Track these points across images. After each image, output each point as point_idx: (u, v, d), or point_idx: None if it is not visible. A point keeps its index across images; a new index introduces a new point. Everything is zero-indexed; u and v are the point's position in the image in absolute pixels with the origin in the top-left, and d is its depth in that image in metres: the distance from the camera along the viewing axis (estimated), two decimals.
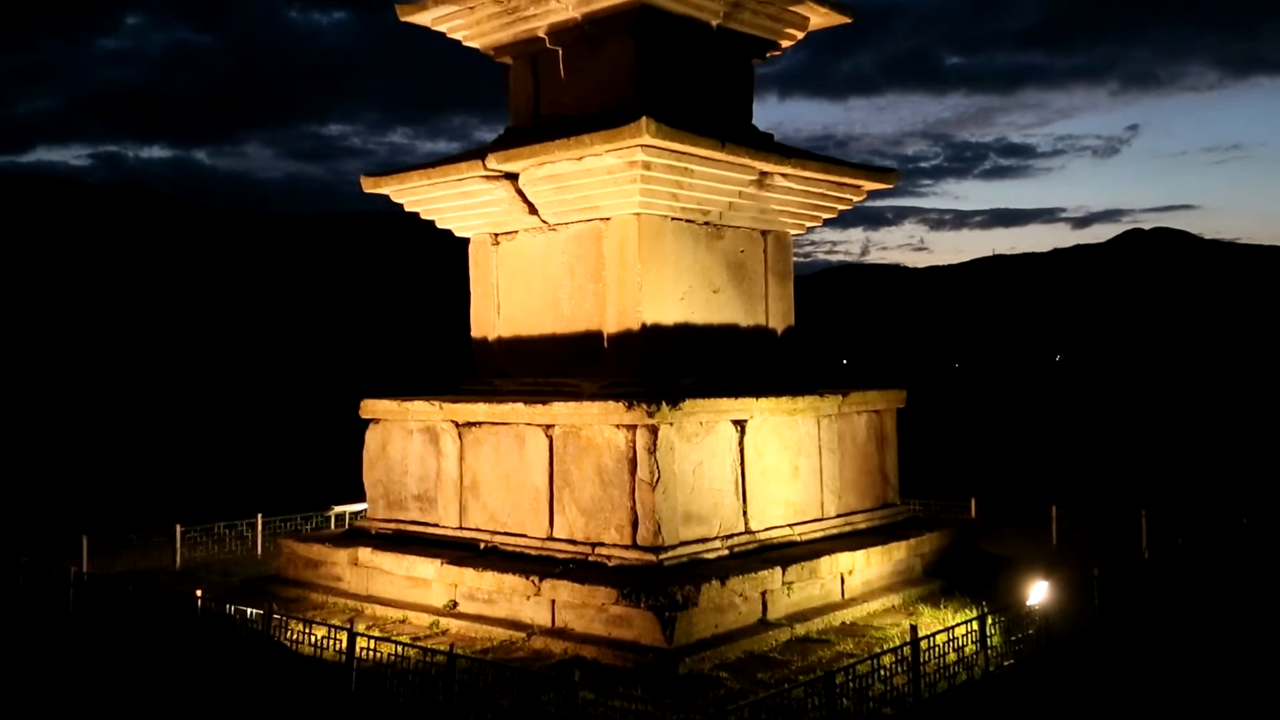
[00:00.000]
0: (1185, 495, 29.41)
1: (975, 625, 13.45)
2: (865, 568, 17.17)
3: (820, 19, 19.93)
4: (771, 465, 17.38)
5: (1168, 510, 23.25)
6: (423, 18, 19.47)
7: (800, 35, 20.02)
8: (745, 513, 16.85)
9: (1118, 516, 22.54)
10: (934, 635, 12.78)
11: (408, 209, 19.83)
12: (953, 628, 13.17)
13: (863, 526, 18.74)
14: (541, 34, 18.65)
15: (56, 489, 36.95)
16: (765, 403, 17.26)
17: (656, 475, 15.35)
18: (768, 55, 20.12)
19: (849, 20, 20.17)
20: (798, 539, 17.38)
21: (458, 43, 19.91)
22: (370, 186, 19.54)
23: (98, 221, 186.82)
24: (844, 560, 16.75)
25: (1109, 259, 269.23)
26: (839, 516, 18.49)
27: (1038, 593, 14.42)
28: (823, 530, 17.97)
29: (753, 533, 16.82)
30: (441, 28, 19.61)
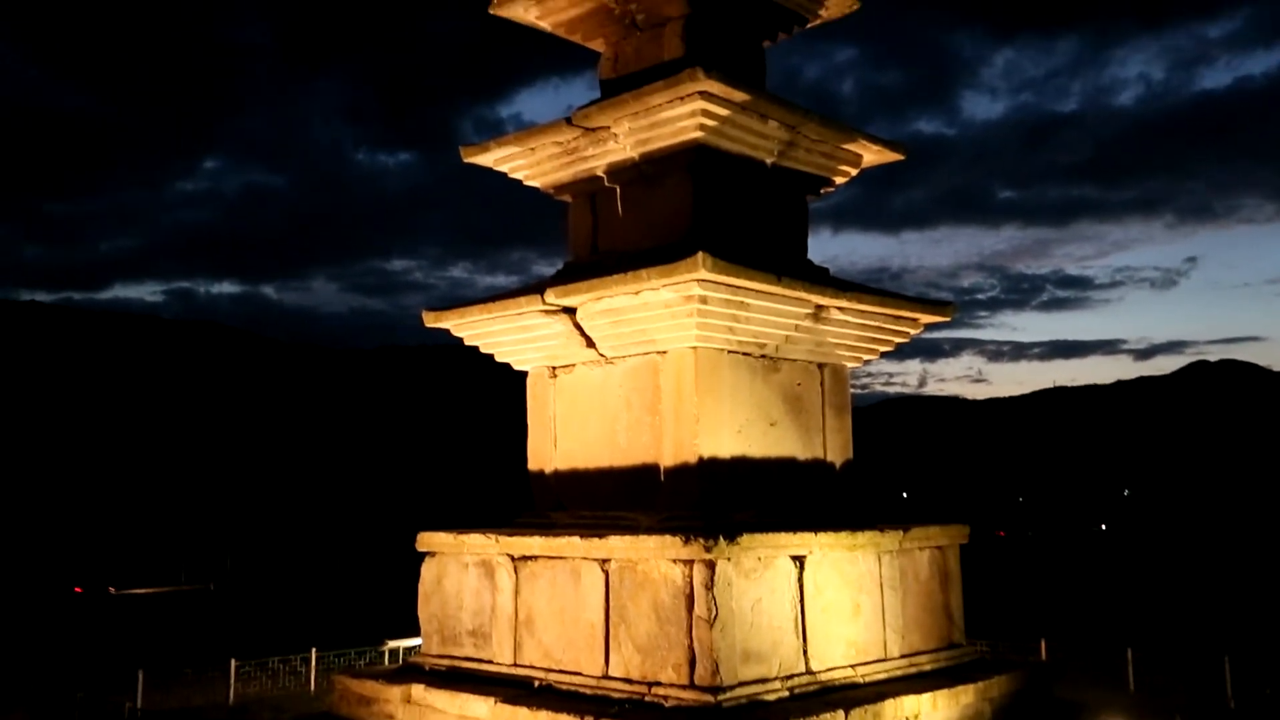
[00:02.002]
0: (1270, 639, 28.07)
1: None
2: (931, 712, 16.49)
3: (873, 156, 20.26)
4: (832, 602, 16.94)
5: (1252, 655, 22.17)
6: (485, 159, 20.13)
7: (853, 172, 20.35)
8: (805, 652, 16.35)
9: (1198, 661, 21.52)
10: None
11: (468, 342, 20.13)
12: None
13: (928, 668, 18.09)
14: (600, 173, 19.15)
15: (117, 621, 37.07)
16: (825, 538, 16.93)
17: (714, 612, 15.01)
18: (822, 191, 20.43)
19: (901, 157, 20.48)
20: (860, 680, 16.80)
21: (518, 182, 20.49)
22: (432, 321, 19.91)
23: (170, 355, 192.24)
24: (909, 703, 16.12)
25: (1175, 391, 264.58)
26: (903, 657, 17.87)
27: None
28: (886, 671, 17.36)
29: (813, 673, 16.29)
30: (503, 168, 20.23)
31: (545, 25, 20.34)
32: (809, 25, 20.98)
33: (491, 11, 20.28)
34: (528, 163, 19.86)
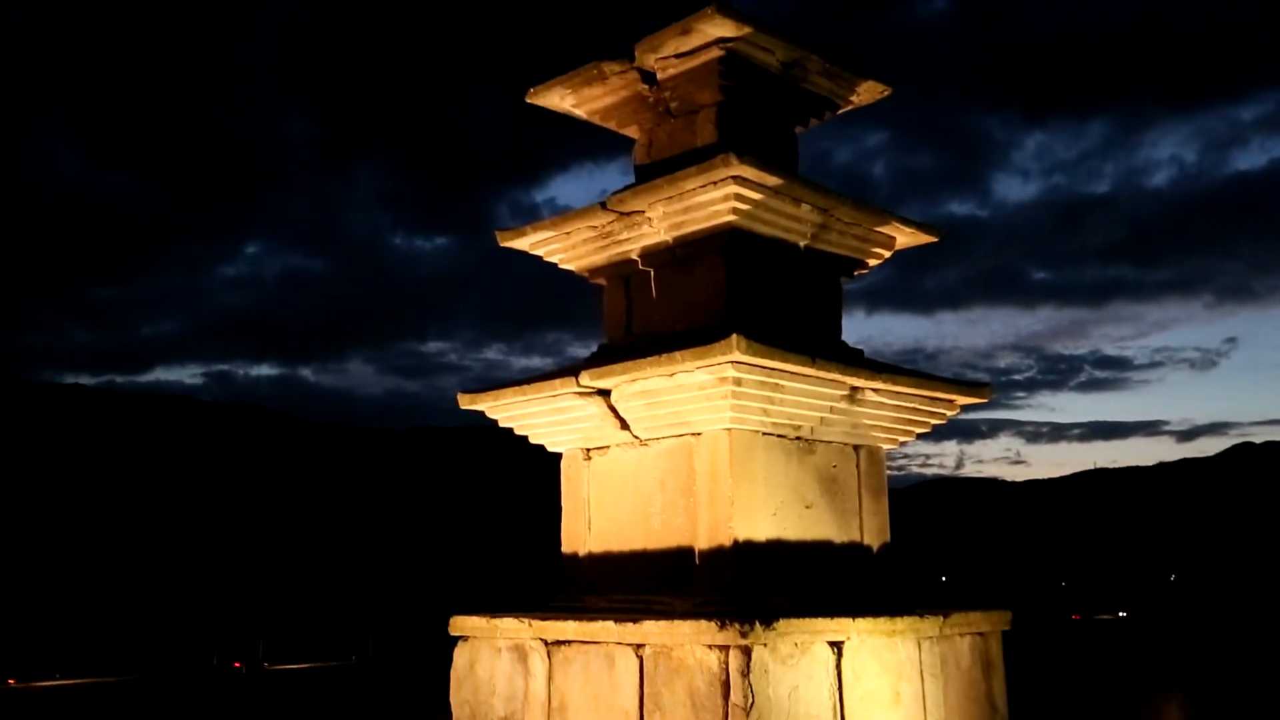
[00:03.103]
0: None
1: None
2: None
3: (906, 238, 20.32)
4: (871, 690, 16.56)
5: None
6: (521, 243, 20.38)
7: (887, 254, 20.38)
8: None
9: None
10: None
11: (502, 424, 20.16)
12: None
13: None
14: (634, 256, 19.32)
15: (151, 699, 36.90)
16: (862, 623, 16.62)
17: (750, 700, 14.72)
18: (855, 273, 20.46)
19: (934, 239, 20.48)
20: None
21: (553, 265, 20.70)
22: (466, 403, 19.99)
23: (209, 436, 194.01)
24: None
25: (1219, 473, 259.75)
26: None
27: None
28: None
29: None
30: (539, 251, 20.47)
31: (580, 113, 20.73)
32: (841, 111, 21.23)
33: (528, 100, 20.71)
34: (562, 246, 20.08)
